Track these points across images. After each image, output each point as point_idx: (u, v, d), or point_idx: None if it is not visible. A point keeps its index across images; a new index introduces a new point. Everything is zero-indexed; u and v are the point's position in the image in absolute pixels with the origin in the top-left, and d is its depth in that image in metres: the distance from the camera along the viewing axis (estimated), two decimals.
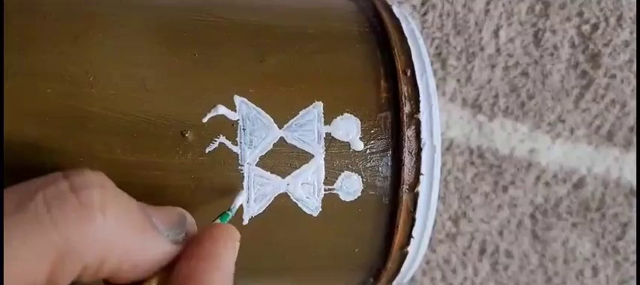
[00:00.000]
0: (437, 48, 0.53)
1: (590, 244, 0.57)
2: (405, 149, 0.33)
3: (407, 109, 0.33)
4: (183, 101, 0.31)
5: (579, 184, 0.56)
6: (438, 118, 0.33)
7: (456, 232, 0.55)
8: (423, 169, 0.33)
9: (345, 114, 0.32)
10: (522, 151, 0.55)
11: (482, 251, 0.55)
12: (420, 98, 0.33)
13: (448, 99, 0.54)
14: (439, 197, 0.54)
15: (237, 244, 0.28)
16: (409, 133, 0.33)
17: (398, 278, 0.36)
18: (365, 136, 0.32)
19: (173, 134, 0.30)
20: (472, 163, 0.55)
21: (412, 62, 0.34)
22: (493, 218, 0.55)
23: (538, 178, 0.56)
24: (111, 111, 0.30)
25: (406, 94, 0.33)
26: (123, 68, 0.30)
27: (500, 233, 0.55)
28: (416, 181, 0.33)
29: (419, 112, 0.33)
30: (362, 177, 0.33)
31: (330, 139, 0.32)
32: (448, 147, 0.54)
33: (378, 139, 0.33)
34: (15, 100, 0.29)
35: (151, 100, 0.30)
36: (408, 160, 0.33)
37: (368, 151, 0.32)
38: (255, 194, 0.31)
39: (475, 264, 0.55)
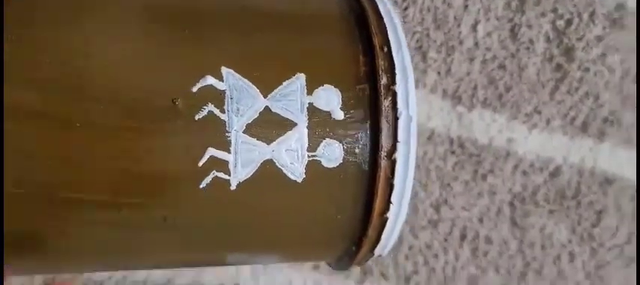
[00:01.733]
0: (417, 41, 0.56)
1: (567, 230, 0.59)
2: (383, 118, 0.35)
3: (384, 81, 0.35)
4: (174, 72, 0.33)
5: (555, 173, 0.59)
6: (413, 91, 0.35)
7: (438, 219, 0.57)
8: (400, 136, 0.35)
9: (326, 85, 0.34)
10: (501, 140, 0.58)
11: (463, 237, 0.57)
12: (396, 72, 0.35)
13: (429, 90, 0.56)
14: (421, 185, 0.56)
15: None
16: (386, 103, 0.35)
17: (379, 246, 0.38)
18: (345, 106, 0.34)
19: (165, 102, 0.32)
20: (453, 153, 0.57)
21: (388, 39, 0.36)
22: (473, 206, 0.57)
23: (516, 167, 0.58)
24: (106, 80, 0.32)
25: (383, 68, 0.35)
26: (117, 41, 0.32)
27: (481, 220, 0.57)
28: (393, 148, 0.35)
29: (395, 84, 0.35)
30: (343, 144, 0.35)
31: (312, 109, 0.34)
32: (429, 136, 0.56)
33: (357, 109, 0.35)
34: (17, 69, 0.31)
35: (144, 71, 0.32)
36: (385, 129, 0.35)
37: (348, 120, 0.35)
38: (243, 160, 0.33)
39: (456, 249, 0.57)
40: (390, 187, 0.35)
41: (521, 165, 0.58)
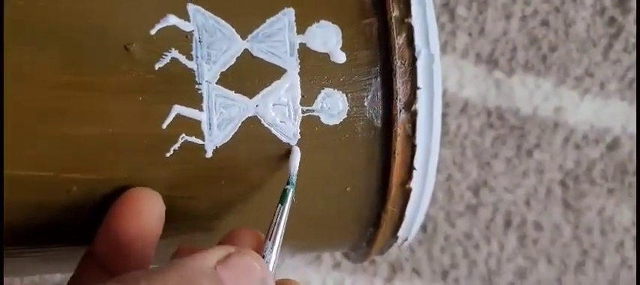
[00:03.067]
0: None
1: (630, 211, 0.50)
2: (397, 59, 0.27)
3: (395, 13, 0.28)
4: (126, 10, 0.26)
5: (613, 145, 0.50)
6: (434, 23, 0.28)
7: (477, 204, 0.49)
8: (420, 81, 0.27)
9: (322, 21, 0.27)
10: (547, 110, 0.50)
11: (508, 224, 0.49)
12: (411, 0, 0.28)
13: (459, 55, 0.49)
14: (455, 163, 0.48)
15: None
16: (400, 40, 0.28)
17: (403, 227, 0.30)
18: (347, 46, 0.27)
19: (115, 48, 0.25)
20: (491, 126, 0.49)
21: None
22: (518, 186, 0.49)
23: (566, 139, 0.50)
24: (40, 22, 0.25)
25: None
26: None
27: (527, 203, 0.49)
28: (412, 96, 0.27)
29: (410, 16, 0.28)
30: (346, 94, 0.27)
31: (305, 51, 0.27)
32: (463, 108, 0.49)
33: (364, 50, 0.28)
34: None
35: (88, 9, 0.25)
36: (400, 72, 0.27)
37: (352, 64, 0.27)
38: (219, 119, 0.26)
39: (500, 238, 0.49)
40: (411, 147, 0.28)
41: (572, 137, 0.50)
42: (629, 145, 0.50)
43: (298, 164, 0.26)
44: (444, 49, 0.48)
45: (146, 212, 0.25)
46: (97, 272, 0.26)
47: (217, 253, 0.23)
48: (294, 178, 0.26)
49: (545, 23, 0.49)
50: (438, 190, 0.48)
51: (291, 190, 0.26)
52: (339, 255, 0.46)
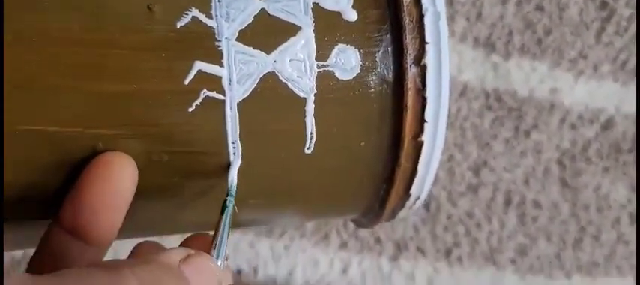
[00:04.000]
0: None
1: (625, 189, 0.52)
2: (406, 15, 0.29)
3: None
4: None
5: (608, 125, 0.52)
6: None
7: (478, 184, 0.50)
8: (428, 36, 0.29)
9: None
10: (543, 91, 0.51)
11: (508, 202, 0.50)
12: None
13: (458, 40, 0.50)
14: (456, 145, 0.50)
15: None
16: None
17: (416, 182, 0.31)
18: (358, 5, 0.29)
19: (138, 8, 0.27)
20: (489, 108, 0.50)
21: None
22: (517, 166, 0.51)
23: (562, 120, 0.51)
24: None
25: None
26: None
27: (526, 182, 0.51)
28: (422, 51, 0.29)
29: None
30: (359, 50, 0.28)
31: (318, 10, 0.28)
32: (462, 91, 0.50)
33: (373, 8, 0.29)
34: None
35: None
36: (409, 28, 0.29)
37: (363, 21, 0.28)
38: (238, 74, 0.27)
39: (501, 217, 0.50)
40: (422, 100, 0.29)
41: (568, 118, 0.51)
42: (623, 125, 0.52)
43: (236, 176, 0.27)
44: None
45: (118, 177, 0.26)
46: (65, 239, 0.27)
47: (180, 252, 0.24)
48: (233, 191, 0.27)
49: (539, 8, 0.51)
50: (439, 171, 0.49)
51: (232, 201, 0.27)
52: (346, 234, 0.47)
